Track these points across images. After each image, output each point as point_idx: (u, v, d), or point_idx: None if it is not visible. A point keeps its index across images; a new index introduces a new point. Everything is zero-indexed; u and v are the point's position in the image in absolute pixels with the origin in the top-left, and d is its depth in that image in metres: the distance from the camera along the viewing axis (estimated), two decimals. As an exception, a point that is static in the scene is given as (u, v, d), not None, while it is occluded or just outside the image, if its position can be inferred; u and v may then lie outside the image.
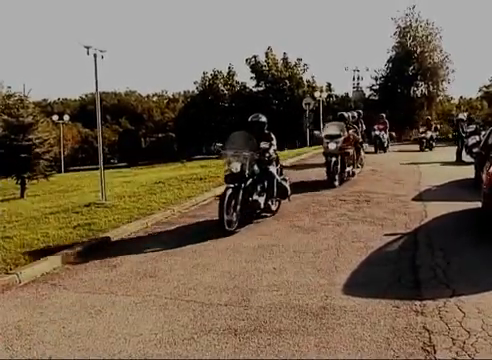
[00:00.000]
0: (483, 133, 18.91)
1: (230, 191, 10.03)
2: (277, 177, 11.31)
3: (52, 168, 24.86)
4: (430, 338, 5.15)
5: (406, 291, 6.57)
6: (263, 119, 11.54)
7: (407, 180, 16.45)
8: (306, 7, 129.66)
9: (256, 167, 10.71)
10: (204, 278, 7.40)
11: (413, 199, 13.03)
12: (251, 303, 6.34)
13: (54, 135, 30.49)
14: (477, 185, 12.48)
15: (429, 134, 31.05)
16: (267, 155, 11.03)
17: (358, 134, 18.10)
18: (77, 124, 66.88)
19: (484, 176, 10.29)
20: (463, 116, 27.47)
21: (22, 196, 21.45)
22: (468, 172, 15.37)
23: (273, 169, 11.25)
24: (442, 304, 5.99)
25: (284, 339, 5.29)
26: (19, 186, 22.38)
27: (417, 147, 31.09)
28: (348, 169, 16.47)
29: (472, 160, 16.61)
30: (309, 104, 37.54)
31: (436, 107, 52.30)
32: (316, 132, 18.27)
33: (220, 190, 15.03)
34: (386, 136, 29.87)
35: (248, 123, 11.55)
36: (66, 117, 50.96)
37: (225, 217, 9.80)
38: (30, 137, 22.91)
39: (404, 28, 50.42)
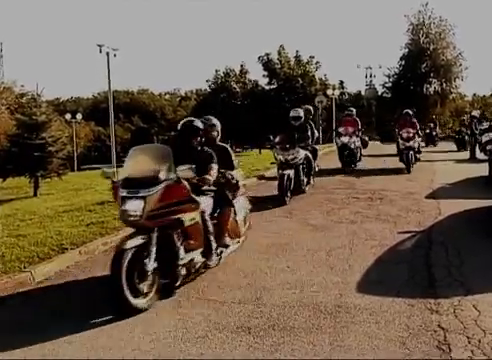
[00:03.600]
0: (497, 130, 18.76)
1: None
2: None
3: (65, 166, 25.00)
4: (445, 337, 5.11)
5: (420, 289, 6.53)
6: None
7: (420, 178, 16.37)
8: (318, 5, 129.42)
9: None
10: (217, 276, 7.39)
11: (426, 197, 12.95)
12: (265, 301, 6.33)
13: (67, 134, 30.68)
14: (491, 182, 12.43)
15: (416, 142, 19.60)
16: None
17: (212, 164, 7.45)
18: (90, 123, 67.03)
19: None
20: (476, 113, 27.31)
21: (35, 194, 21.58)
22: (482, 170, 15.28)
23: None
24: (457, 302, 5.95)
25: (298, 337, 5.27)
26: (32, 185, 22.51)
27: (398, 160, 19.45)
28: (187, 259, 6.78)
29: (486, 157, 16.52)
30: (322, 102, 37.42)
31: (449, 104, 52.03)
32: (106, 170, 7.23)
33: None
34: (358, 143, 19.59)
35: None
36: (79, 116, 51.20)
37: None
38: (43, 136, 23.09)
39: (417, 25, 50.29)
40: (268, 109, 49.22)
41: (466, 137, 28.73)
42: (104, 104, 48.97)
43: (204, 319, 5.85)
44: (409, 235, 9.22)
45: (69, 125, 48.09)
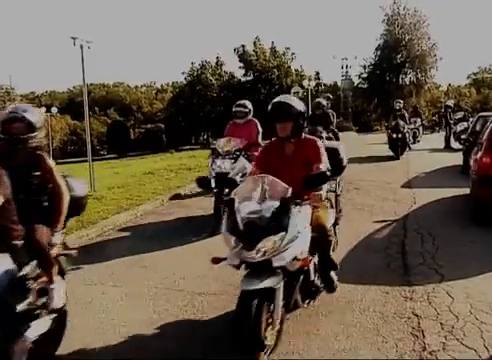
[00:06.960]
0: (471, 120, 18.97)
1: None
2: None
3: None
4: (419, 323, 5.18)
5: (395, 277, 6.60)
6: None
7: (396, 167, 16.48)
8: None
9: None
10: (194, 268, 7.39)
11: (402, 186, 13.06)
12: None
13: (42, 127, 30.37)
14: (465, 171, 12.55)
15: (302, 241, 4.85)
16: None
17: None
18: (66, 116, 66.46)
19: (472, 162, 10.33)
20: (451, 103, 27.57)
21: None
22: (456, 159, 15.41)
23: None
24: (431, 289, 6.03)
25: (274, 327, 5.29)
26: (8, 179, 22.32)
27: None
28: None
29: (460, 147, 16.68)
30: (298, 93, 37.29)
31: (424, 94, 52.39)
32: None
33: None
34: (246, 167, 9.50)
35: None
36: (54, 109, 50.58)
37: None
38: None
39: (392, 16, 50.37)
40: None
41: (407, 135, 19.85)
42: (80, 97, 48.49)
43: (180, 310, 5.86)
44: (385, 224, 9.30)
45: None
